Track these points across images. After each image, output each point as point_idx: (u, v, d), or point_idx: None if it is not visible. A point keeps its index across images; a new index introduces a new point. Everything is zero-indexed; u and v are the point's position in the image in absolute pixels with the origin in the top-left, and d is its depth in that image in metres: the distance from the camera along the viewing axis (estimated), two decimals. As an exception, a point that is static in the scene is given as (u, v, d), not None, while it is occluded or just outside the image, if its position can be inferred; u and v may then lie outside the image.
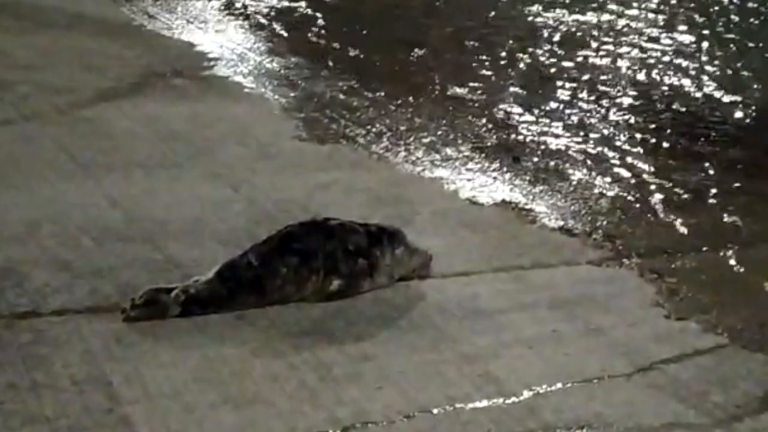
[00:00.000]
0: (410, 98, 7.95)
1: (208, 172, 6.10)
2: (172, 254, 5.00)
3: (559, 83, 8.64)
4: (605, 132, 7.49)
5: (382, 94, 8.02)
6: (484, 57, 9.34)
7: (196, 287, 4.46)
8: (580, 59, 9.45)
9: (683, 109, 8.17)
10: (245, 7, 10.79)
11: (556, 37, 10.23)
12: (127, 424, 3.64)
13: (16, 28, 9.12)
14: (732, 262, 5.40)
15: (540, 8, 11.23)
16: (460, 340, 4.41)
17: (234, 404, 3.82)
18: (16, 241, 5.00)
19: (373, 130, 7.12)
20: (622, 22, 10.90)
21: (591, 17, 11.04)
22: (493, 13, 11.09)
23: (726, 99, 8.39)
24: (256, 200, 5.72)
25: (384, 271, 4.77)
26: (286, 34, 9.83)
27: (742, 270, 5.32)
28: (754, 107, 8.19)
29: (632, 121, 7.81)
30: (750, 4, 11.93)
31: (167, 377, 3.96)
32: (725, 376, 4.26)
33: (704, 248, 5.58)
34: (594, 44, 10.00)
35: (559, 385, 4.12)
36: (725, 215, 6.03)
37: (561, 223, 5.75)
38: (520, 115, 7.77)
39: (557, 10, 11.21)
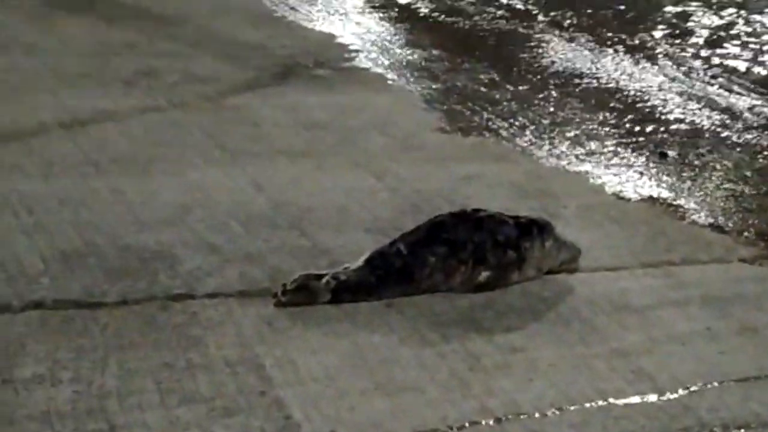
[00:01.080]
0: (553, 92, 7.83)
1: (351, 162, 6.12)
2: (318, 241, 5.02)
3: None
4: (758, 125, 7.28)
5: (526, 87, 7.92)
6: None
7: (346, 274, 4.47)
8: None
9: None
10: (386, 1, 10.76)
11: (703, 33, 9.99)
12: (280, 407, 3.66)
13: (161, 19, 9.23)
14: None
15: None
16: (610, 334, 4.35)
17: (384, 391, 3.82)
18: (167, 225, 5.08)
19: (516, 123, 7.07)
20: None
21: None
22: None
23: None
24: (399, 190, 5.72)
25: (532, 263, 4.73)
26: (427, 27, 9.75)
27: None
28: None
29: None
30: None
31: (318, 362, 3.97)
32: None
33: None
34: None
35: (715, 383, 4.03)
36: None
37: (711, 219, 5.63)
38: (667, 108, 7.59)
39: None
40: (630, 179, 6.15)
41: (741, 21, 10.25)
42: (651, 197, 5.88)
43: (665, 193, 5.95)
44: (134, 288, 4.45)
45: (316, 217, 5.27)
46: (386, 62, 8.44)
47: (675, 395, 3.92)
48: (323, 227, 5.17)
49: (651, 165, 6.40)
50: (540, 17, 10.32)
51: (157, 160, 5.88)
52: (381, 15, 10.18)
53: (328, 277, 4.45)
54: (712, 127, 7.29)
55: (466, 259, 4.58)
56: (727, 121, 7.45)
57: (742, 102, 7.92)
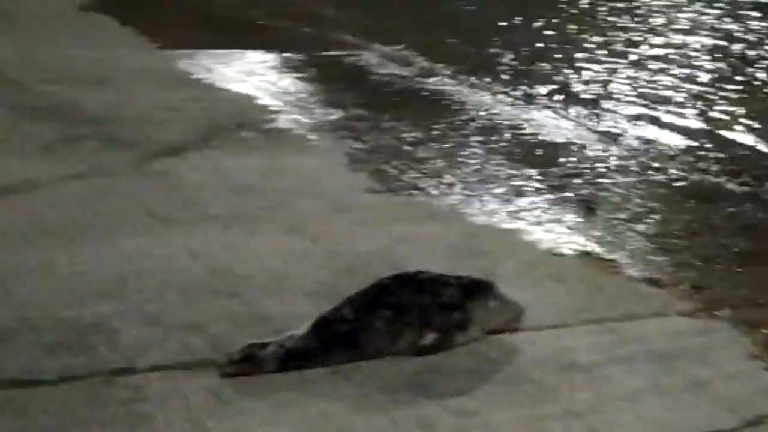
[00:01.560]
0: (477, 148, 7.87)
1: (284, 225, 6.07)
2: (259, 308, 4.96)
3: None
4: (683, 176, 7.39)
5: (450, 144, 7.96)
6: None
7: (292, 342, 4.42)
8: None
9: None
10: (301, 60, 10.76)
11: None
12: (237, 484, 3.57)
13: (80, 83, 9.12)
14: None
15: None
16: (561, 394, 4.34)
17: (339, 462, 3.74)
18: (102, 296, 4.99)
19: (444, 181, 7.07)
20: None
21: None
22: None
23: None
24: (336, 253, 5.67)
25: (477, 324, 4.72)
26: (344, 86, 9.77)
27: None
28: None
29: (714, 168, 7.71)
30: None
31: (269, 435, 3.88)
32: (838, 432, 4.14)
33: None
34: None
35: (669, 441, 4.00)
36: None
37: (646, 273, 5.65)
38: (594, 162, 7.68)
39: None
40: (562, 234, 6.17)
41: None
42: (585, 252, 5.90)
43: (598, 248, 5.97)
44: (74, 363, 4.34)
45: (254, 284, 5.20)
46: (308, 122, 8.42)
47: (630, 456, 3.88)
48: (263, 293, 5.10)
49: (580, 220, 6.42)
50: (458, 74, 10.38)
51: (87, 229, 5.77)
52: (298, 75, 10.18)
53: (274, 346, 4.38)
54: (639, 179, 7.35)
55: (411, 322, 4.55)
56: (653, 173, 7.52)
57: (667, 152, 8.04)
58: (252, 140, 7.89)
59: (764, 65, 11.48)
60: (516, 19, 13.44)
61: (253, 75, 10.07)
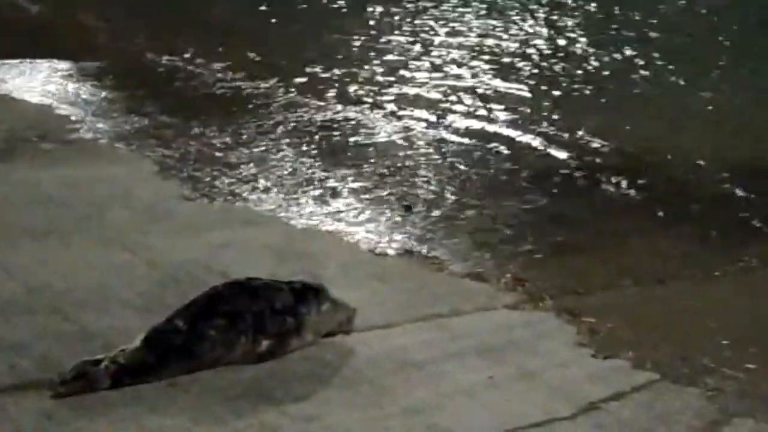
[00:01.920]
0: (289, 151, 7.84)
1: (99, 237, 5.92)
2: (83, 324, 4.81)
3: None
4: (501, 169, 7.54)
5: (261, 148, 7.90)
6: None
7: (124, 357, 4.30)
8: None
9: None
10: (98, 68, 10.52)
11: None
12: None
13: None
14: (641, 299, 5.47)
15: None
16: (399, 393, 4.35)
17: (184, 477, 3.66)
18: None
19: (259, 186, 7.01)
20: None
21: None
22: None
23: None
24: (156, 263, 5.56)
25: (311, 328, 4.69)
26: (145, 92, 9.59)
27: (651, 306, 5.39)
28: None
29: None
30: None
31: (111, 453, 3.77)
32: (665, 412, 4.30)
33: (610, 287, 5.62)
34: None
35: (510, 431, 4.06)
36: (623, 255, 6.10)
37: (468, 269, 5.73)
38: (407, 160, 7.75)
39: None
40: (382, 234, 6.19)
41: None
42: (407, 251, 5.95)
43: (419, 246, 6.01)
44: None
45: (75, 299, 5.06)
46: (112, 131, 8.25)
47: (474, 448, 3.92)
48: (86, 308, 4.96)
49: (399, 219, 6.47)
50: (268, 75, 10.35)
51: None
52: (95, 83, 9.93)
53: (106, 362, 4.26)
54: (453, 177, 7.46)
55: (246, 329, 4.49)
56: (469, 170, 7.65)
57: (473, 150, 8.18)
58: (55, 151, 7.67)
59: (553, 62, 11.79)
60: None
61: (48, 84, 9.77)
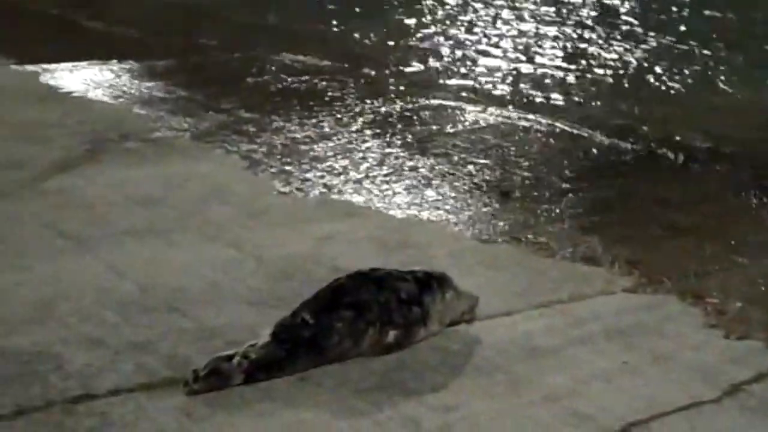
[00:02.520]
0: (375, 142, 7.77)
1: (202, 234, 5.87)
2: (202, 321, 4.77)
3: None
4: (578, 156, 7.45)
5: (345, 141, 7.83)
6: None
7: (255, 352, 4.25)
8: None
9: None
10: (168, 67, 10.49)
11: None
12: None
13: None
14: (761, 277, 5.36)
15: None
16: (534, 380, 4.28)
17: (334, 470, 3.60)
18: (35, 323, 4.72)
19: (351, 177, 6.94)
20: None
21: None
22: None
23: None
24: (264, 258, 5.51)
25: (436, 317, 4.62)
26: (218, 88, 9.54)
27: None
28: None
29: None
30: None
31: (259, 449, 3.71)
32: (813, 393, 4.18)
33: (728, 266, 5.51)
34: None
35: (657, 417, 3.97)
36: (734, 235, 5.99)
37: (579, 254, 5.63)
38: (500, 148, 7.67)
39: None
40: (483, 221, 6.11)
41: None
42: (513, 237, 5.86)
43: (524, 232, 5.93)
44: (28, 395, 4.08)
45: (190, 297, 5.01)
46: (193, 128, 8.18)
47: (625, 434, 3.84)
48: (202, 306, 4.91)
49: (497, 205, 6.39)
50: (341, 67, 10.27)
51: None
52: (167, 81, 9.91)
53: (239, 358, 4.21)
54: (545, 162, 7.37)
55: (373, 320, 4.42)
56: (561, 155, 7.56)
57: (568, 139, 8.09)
58: (140, 150, 7.62)
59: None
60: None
61: (121, 85, 9.74)
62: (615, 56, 11.03)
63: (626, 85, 9.81)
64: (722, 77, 10.17)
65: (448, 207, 6.39)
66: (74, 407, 4.00)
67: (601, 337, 4.65)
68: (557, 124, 8.33)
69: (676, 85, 9.77)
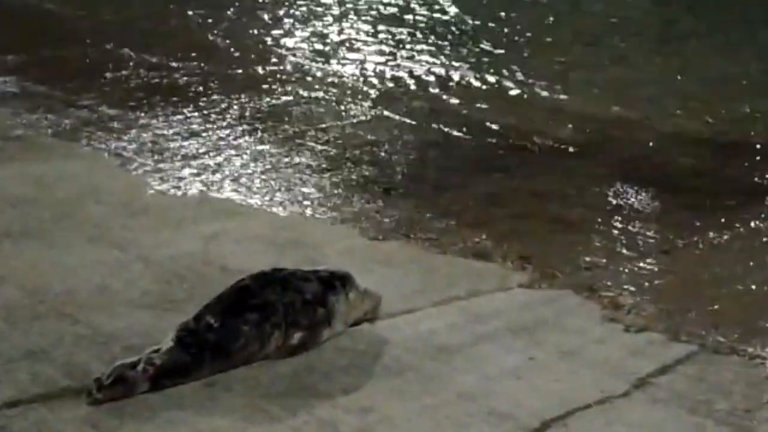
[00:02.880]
0: (248, 140, 7.66)
1: (83, 236, 5.68)
2: (96, 326, 4.60)
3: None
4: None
5: (215, 137, 7.68)
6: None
7: (160, 358, 4.10)
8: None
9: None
10: (21, 62, 10.12)
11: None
12: None
13: None
14: (651, 271, 5.43)
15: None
16: (446, 379, 4.25)
17: (259, 478, 3.49)
18: None
19: (228, 174, 6.80)
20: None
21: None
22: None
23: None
24: (150, 259, 5.35)
25: (340, 317, 4.54)
26: (78, 84, 9.26)
27: (664, 277, 5.36)
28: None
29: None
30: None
31: (174, 459, 3.58)
32: (718, 383, 4.26)
33: (617, 260, 5.57)
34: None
35: (573, 412, 3.99)
36: (620, 230, 6.07)
37: (469, 250, 5.63)
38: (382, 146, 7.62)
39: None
40: (370, 219, 6.07)
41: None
42: (403, 235, 5.81)
43: (413, 229, 5.89)
44: None
45: (80, 301, 4.83)
46: (56, 126, 7.89)
47: (544, 431, 3.83)
48: (93, 310, 4.74)
49: (381, 202, 6.34)
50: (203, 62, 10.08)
51: None
52: (22, 77, 9.55)
53: (143, 364, 4.06)
54: (424, 160, 7.36)
55: (278, 323, 4.32)
56: (438, 154, 7.55)
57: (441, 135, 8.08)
58: (2, 149, 7.30)
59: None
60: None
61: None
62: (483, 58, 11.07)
63: (491, 86, 9.81)
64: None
65: (330, 204, 6.33)
66: (-32, 421, 3.77)
67: (505, 333, 4.65)
68: (430, 121, 8.30)
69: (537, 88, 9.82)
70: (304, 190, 6.58)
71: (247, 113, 8.40)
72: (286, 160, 7.21)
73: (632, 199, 6.58)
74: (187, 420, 3.85)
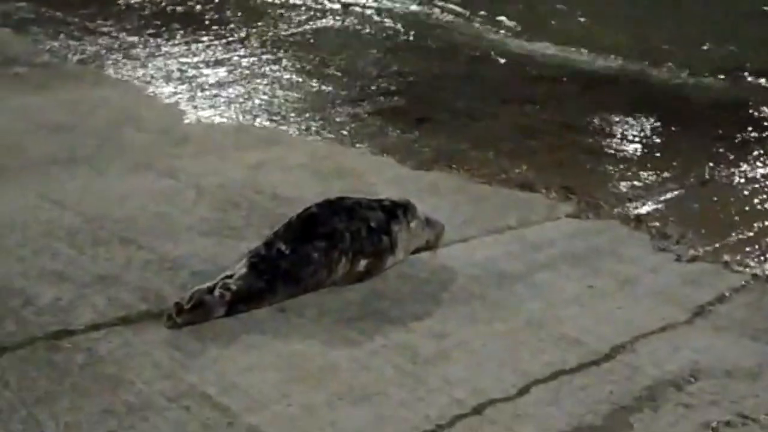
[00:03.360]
0: (277, 65, 7.68)
1: (131, 163, 5.75)
2: (162, 253, 4.68)
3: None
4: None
5: (244, 63, 7.71)
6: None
7: (236, 284, 4.18)
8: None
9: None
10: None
11: None
12: (262, 435, 3.37)
13: None
14: (694, 201, 5.53)
15: None
16: (513, 306, 4.36)
17: (349, 400, 3.62)
18: (-20, 256, 4.50)
19: (258, 104, 6.84)
20: None
21: None
22: None
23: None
24: (203, 187, 5.44)
25: (403, 246, 4.63)
26: (95, 11, 9.24)
27: (709, 207, 5.46)
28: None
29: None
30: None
31: (262, 381, 3.71)
32: (775, 311, 4.37)
33: (659, 191, 5.67)
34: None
35: (639, 339, 4.10)
36: (660, 160, 6.17)
37: (513, 180, 5.71)
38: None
39: None
40: (408, 149, 6.13)
41: None
42: (448, 165, 5.88)
43: (451, 159, 5.97)
44: (5, 331, 3.91)
45: (141, 228, 4.90)
46: (79, 51, 7.89)
47: (616, 356, 3.95)
48: (156, 237, 4.81)
49: (418, 133, 6.41)
50: None
51: None
52: (39, 3, 9.50)
53: (220, 290, 4.14)
54: (456, 91, 7.41)
55: (346, 249, 4.41)
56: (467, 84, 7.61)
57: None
58: (32, 76, 7.35)
59: None
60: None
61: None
62: None
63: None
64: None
65: (366, 133, 6.35)
66: (58, 344, 3.88)
67: (561, 262, 4.75)
68: (458, 51, 8.34)
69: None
70: (338, 120, 6.60)
71: (268, 42, 8.37)
72: (315, 89, 7.21)
73: (664, 132, 6.65)
74: (267, 344, 3.93)
